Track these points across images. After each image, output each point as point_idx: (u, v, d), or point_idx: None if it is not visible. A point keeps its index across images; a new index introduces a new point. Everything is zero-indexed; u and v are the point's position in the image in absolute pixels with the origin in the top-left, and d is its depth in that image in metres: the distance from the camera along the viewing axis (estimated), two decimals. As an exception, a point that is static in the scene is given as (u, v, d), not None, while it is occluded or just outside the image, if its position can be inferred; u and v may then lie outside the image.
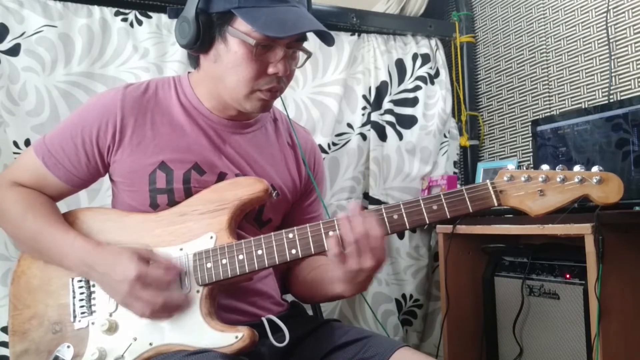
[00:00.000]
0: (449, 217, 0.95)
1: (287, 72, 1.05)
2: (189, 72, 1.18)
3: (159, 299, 0.96)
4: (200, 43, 1.05)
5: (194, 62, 1.14)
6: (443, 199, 0.95)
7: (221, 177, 1.11)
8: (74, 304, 1.05)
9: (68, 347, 1.03)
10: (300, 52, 1.09)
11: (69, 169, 1.10)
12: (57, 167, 1.10)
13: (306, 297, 1.22)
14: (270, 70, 1.04)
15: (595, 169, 0.92)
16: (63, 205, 1.15)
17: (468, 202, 0.95)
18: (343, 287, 1.00)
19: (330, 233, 0.95)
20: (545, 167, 0.94)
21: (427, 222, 0.96)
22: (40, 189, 1.12)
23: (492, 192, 0.94)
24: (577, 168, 0.93)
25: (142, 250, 1.01)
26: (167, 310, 0.98)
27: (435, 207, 0.95)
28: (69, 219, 1.10)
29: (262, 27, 0.99)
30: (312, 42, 1.16)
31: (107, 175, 1.16)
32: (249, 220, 1.13)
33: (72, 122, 1.11)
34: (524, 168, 0.96)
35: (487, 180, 0.96)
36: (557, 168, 0.93)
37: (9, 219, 1.10)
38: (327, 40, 1.07)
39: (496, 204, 0.94)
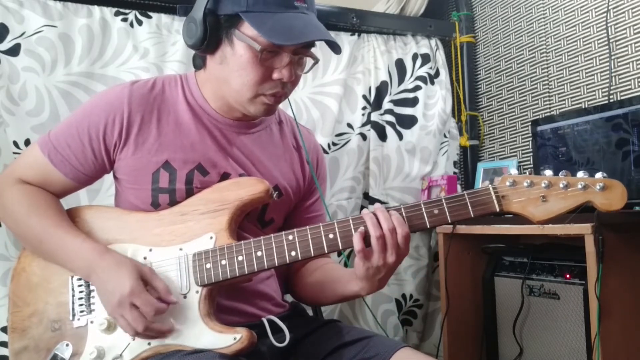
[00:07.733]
0: (450, 221, 0.96)
1: (292, 78, 1.05)
2: (195, 71, 1.17)
3: (140, 325, 0.95)
4: (206, 44, 1.04)
5: (201, 62, 1.13)
6: (444, 204, 0.95)
7: (224, 177, 1.11)
8: (73, 302, 1.05)
9: (67, 345, 1.03)
10: (307, 58, 1.08)
11: (75, 165, 1.10)
12: (63, 164, 1.09)
13: (312, 298, 1.22)
14: (275, 75, 1.03)
15: (598, 175, 0.90)
16: (63, 204, 1.14)
17: (470, 207, 0.95)
18: (361, 285, 1.02)
19: (361, 228, 0.95)
20: (548, 172, 0.93)
21: (428, 226, 0.96)
22: (45, 186, 1.11)
23: (494, 197, 0.94)
24: (580, 174, 0.91)
25: (145, 269, 1.00)
26: (150, 336, 0.98)
27: (436, 212, 0.95)
28: (70, 217, 1.10)
29: (268, 33, 0.98)
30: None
31: (109, 173, 1.15)
32: (251, 220, 1.13)
33: (78, 118, 1.10)
34: (527, 173, 0.94)
35: (489, 185, 0.95)
36: (560, 174, 0.92)
37: (15, 219, 1.10)
38: (334, 49, 1.07)
39: (498, 210, 0.94)
